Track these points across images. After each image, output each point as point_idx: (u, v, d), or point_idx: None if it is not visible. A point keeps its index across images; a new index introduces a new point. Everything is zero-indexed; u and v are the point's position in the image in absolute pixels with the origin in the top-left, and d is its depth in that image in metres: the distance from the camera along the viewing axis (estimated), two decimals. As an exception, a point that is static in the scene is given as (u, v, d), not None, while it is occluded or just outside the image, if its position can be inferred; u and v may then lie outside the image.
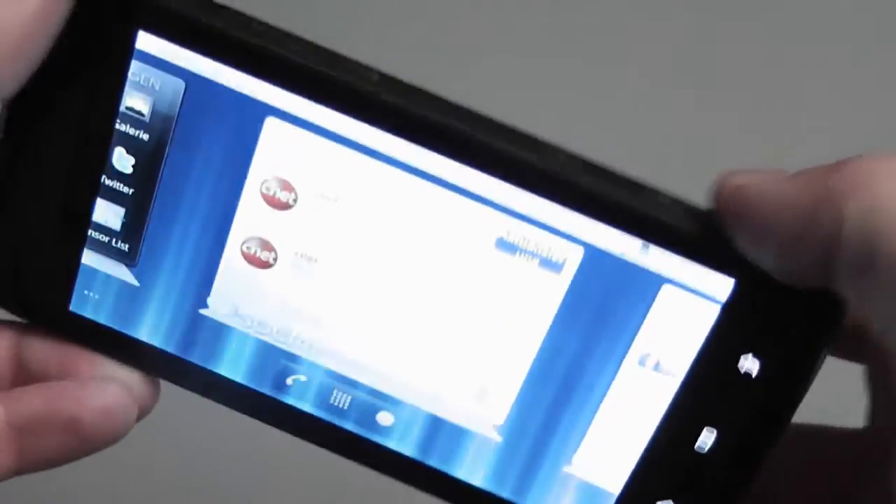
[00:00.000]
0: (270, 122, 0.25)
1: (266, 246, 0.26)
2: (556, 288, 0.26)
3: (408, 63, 0.56)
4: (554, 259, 0.25)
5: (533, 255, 0.25)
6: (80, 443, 0.27)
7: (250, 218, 0.26)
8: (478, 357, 0.27)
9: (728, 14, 0.58)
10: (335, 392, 0.28)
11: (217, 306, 0.27)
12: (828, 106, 0.56)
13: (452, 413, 0.27)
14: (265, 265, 0.27)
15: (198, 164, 0.26)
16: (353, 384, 0.28)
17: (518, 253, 0.25)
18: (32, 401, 0.27)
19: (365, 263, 0.26)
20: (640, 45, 0.57)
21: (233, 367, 0.28)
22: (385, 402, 0.28)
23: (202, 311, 0.27)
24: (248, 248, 0.26)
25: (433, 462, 0.28)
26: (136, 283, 0.27)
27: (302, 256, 0.26)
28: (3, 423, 0.27)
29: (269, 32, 0.25)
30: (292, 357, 0.28)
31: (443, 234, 0.26)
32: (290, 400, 0.28)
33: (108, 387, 0.27)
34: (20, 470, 0.28)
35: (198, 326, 0.28)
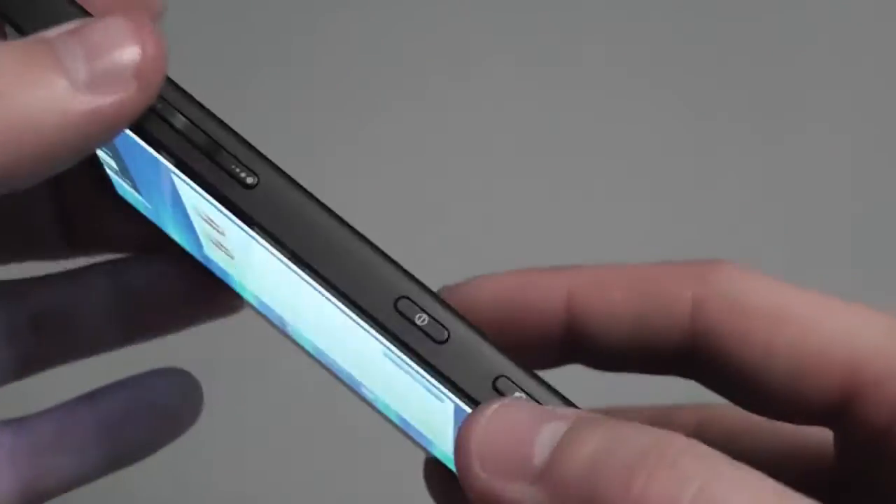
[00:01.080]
0: (174, 177, 0.25)
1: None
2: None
3: (403, 64, 0.56)
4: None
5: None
6: None
7: (200, 223, 0.27)
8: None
9: (727, 15, 0.58)
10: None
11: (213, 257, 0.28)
12: (827, 108, 0.56)
13: None
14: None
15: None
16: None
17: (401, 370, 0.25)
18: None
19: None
20: (637, 45, 0.57)
21: (244, 293, 0.29)
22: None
23: (204, 252, 0.28)
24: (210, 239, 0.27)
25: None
26: (149, 206, 0.28)
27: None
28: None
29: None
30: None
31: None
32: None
33: None
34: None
35: (208, 259, 0.28)
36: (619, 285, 0.25)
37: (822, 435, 0.25)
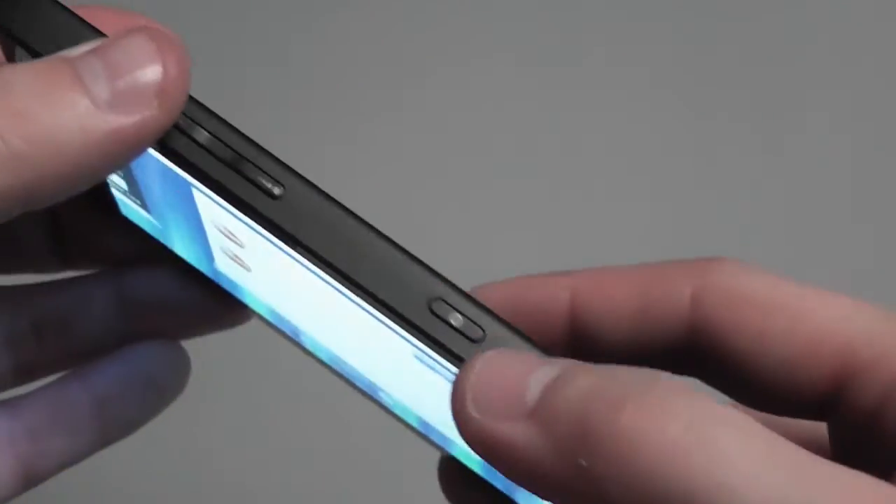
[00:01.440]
0: (194, 191, 0.25)
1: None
2: None
3: (402, 64, 0.56)
4: None
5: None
6: None
7: (217, 237, 0.27)
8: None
9: (727, 15, 0.58)
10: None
11: (224, 269, 0.28)
12: (826, 109, 0.56)
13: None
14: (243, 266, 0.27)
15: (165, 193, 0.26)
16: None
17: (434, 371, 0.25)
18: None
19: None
20: (638, 45, 0.57)
21: (256, 306, 0.29)
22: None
23: (215, 266, 0.28)
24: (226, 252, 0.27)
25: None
26: (157, 224, 0.28)
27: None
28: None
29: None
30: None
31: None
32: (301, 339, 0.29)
33: None
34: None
35: (217, 273, 0.28)
36: (621, 284, 0.25)
37: (816, 432, 0.25)
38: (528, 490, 0.21)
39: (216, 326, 0.30)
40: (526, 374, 0.20)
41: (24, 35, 0.22)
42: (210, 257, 0.28)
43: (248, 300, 0.29)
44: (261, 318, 0.30)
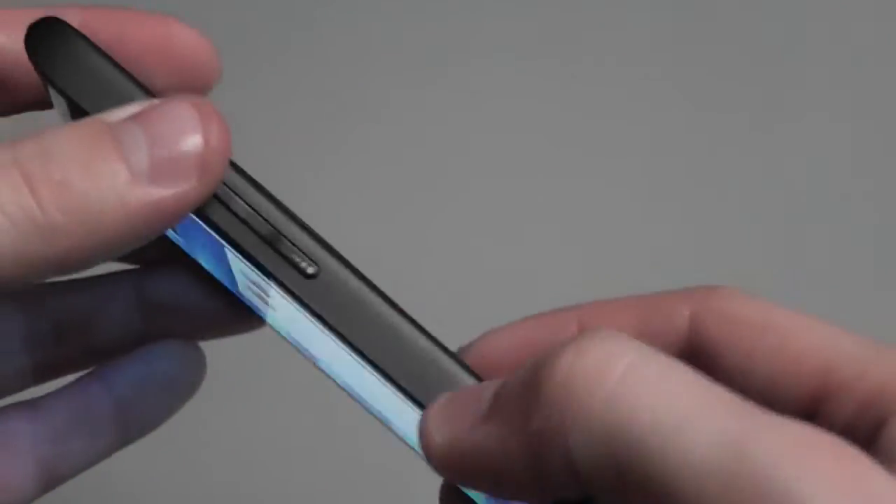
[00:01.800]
0: (227, 251, 0.24)
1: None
2: None
3: (401, 66, 0.56)
4: None
5: None
6: None
7: (244, 279, 0.27)
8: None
9: (728, 16, 0.58)
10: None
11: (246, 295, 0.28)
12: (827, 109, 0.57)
13: None
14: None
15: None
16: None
17: None
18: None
19: None
20: (639, 46, 0.57)
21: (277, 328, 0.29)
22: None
23: (238, 289, 0.28)
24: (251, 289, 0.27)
25: None
26: (183, 241, 0.28)
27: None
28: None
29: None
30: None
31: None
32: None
33: None
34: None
35: (240, 294, 0.28)
36: (625, 312, 0.26)
37: None
38: (511, 497, 0.21)
39: (234, 331, 0.30)
40: (479, 391, 0.21)
41: (65, 85, 0.22)
42: (234, 284, 0.28)
43: (268, 321, 0.29)
44: (278, 334, 0.30)
